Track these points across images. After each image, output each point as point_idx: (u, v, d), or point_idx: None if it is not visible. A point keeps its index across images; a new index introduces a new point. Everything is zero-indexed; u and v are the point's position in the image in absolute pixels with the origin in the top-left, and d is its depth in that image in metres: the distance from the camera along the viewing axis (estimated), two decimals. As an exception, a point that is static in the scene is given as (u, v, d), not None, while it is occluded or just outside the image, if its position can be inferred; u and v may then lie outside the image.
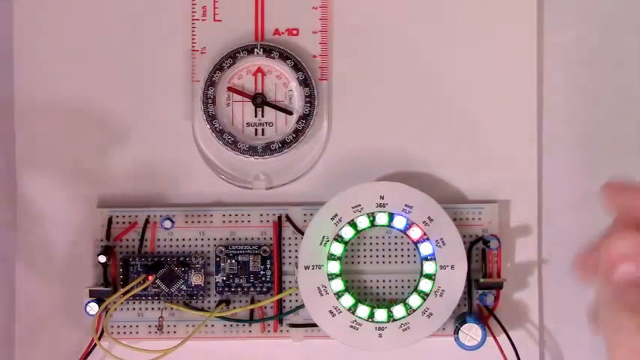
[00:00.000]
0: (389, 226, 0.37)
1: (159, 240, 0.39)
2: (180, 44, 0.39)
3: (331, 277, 0.37)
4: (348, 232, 0.37)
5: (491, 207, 0.39)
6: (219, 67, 0.39)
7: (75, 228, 0.39)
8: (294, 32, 0.39)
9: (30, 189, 0.39)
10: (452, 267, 0.37)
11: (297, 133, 0.39)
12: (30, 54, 0.39)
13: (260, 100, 0.39)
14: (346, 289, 0.37)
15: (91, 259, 0.38)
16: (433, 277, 0.37)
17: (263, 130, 0.39)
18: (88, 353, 0.38)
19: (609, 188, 0.28)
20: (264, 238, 0.39)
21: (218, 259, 0.38)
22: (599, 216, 0.40)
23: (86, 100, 0.39)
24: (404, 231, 0.37)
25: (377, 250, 0.38)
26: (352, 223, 0.37)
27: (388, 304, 0.37)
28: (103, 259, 0.37)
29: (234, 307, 0.38)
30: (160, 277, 0.38)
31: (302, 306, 0.38)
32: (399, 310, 0.37)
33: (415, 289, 0.37)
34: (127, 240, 0.39)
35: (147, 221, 0.38)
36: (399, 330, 0.37)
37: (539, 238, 0.40)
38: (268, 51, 0.39)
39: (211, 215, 0.39)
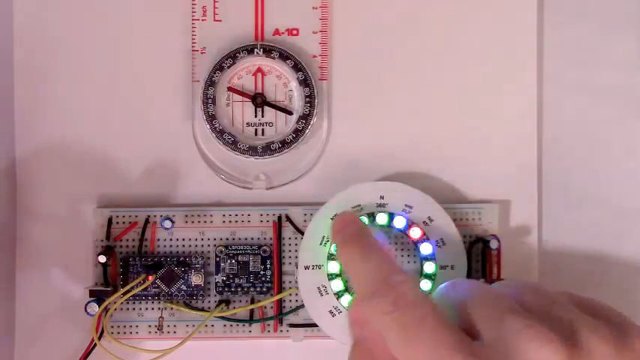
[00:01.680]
0: (389, 226, 0.37)
1: (159, 240, 0.39)
2: (180, 44, 0.39)
3: (331, 277, 0.37)
4: (348, 232, 0.37)
5: (491, 207, 0.39)
6: (219, 67, 0.39)
7: (75, 228, 0.39)
8: (294, 32, 0.39)
9: (30, 189, 0.39)
10: (452, 267, 0.37)
11: (297, 133, 0.39)
12: (30, 49, 0.39)
13: (260, 100, 0.39)
14: (346, 289, 0.37)
15: (91, 259, 0.38)
16: (433, 277, 0.37)
17: (263, 130, 0.39)
18: (88, 353, 0.38)
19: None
20: (264, 238, 0.39)
21: (218, 259, 0.38)
22: (599, 216, 0.41)
23: (86, 101, 0.39)
24: (404, 231, 0.37)
25: (377, 250, 0.38)
26: (352, 223, 0.37)
27: (388, 304, 0.37)
28: (103, 259, 0.37)
29: (234, 307, 0.38)
30: (160, 277, 0.38)
31: (302, 306, 0.38)
32: (399, 310, 0.37)
33: (415, 289, 0.37)
34: (127, 240, 0.39)
35: (147, 221, 0.38)
36: (399, 330, 0.37)
37: (539, 238, 0.40)
38: (268, 51, 0.39)
39: (211, 215, 0.39)
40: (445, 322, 0.27)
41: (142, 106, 0.39)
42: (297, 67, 0.39)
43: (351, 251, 0.33)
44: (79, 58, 0.39)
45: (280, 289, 0.38)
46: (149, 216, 0.39)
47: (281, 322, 0.39)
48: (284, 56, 0.38)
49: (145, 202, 0.39)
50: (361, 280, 0.31)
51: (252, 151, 0.39)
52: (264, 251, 0.38)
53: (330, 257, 0.37)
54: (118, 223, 0.39)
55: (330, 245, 0.36)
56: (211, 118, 0.39)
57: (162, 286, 0.38)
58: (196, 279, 0.38)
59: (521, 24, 0.39)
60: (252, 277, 0.38)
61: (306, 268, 0.37)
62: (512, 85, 0.39)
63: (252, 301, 0.38)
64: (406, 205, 0.37)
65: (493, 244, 0.37)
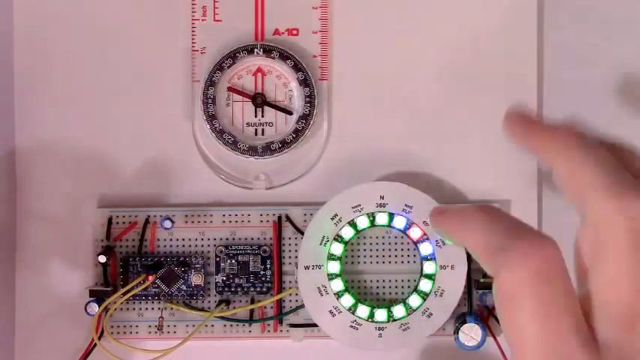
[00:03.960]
0: (389, 226, 0.37)
1: (159, 240, 0.39)
2: (180, 44, 0.39)
3: (331, 277, 0.37)
4: (348, 232, 0.37)
5: (491, 207, 0.39)
6: (219, 67, 0.39)
7: (75, 228, 0.39)
8: (294, 32, 0.39)
9: (30, 189, 0.39)
10: (452, 267, 0.37)
11: (297, 133, 0.39)
12: (30, 49, 0.39)
13: (260, 100, 0.39)
14: (346, 289, 0.37)
15: (91, 259, 0.38)
16: (433, 277, 0.37)
17: (263, 130, 0.39)
18: (88, 353, 0.38)
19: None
20: (264, 238, 0.39)
21: (218, 259, 0.38)
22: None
23: (86, 101, 0.39)
24: (404, 231, 0.37)
25: (377, 250, 0.38)
26: (352, 223, 0.37)
27: (388, 304, 0.37)
28: (103, 259, 0.37)
29: (234, 307, 0.38)
30: (160, 277, 0.38)
31: (302, 306, 0.38)
32: (399, 310, 0.37)
33: (415, 289, 0.37)
34: (127, 240, 0.39)
35: (147, 221, 0.38)
36: (399, 330, 0.37)
37: (539, 238, 0.40)
38: (268, 51, 0.39)
39: (211, 215, 0.39)
40: (579, 316, 0.23)
41: (142, 106, 0.39)
42: (297, 67, 0.39)
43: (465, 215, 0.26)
44: (79, 58, 0.39)
45: (280, 289, 0.38)
46: (149, 216, 0.39)
47: (281, 322, 0.39)
48: (284, 56, 0.38)
49: (145, 202, 0.39)
50: (482, 241, 0.25)
51: (252, 151, 0.39)
52: (264, 251, 0.38)
53: (330, 257, 0.37)
54: (118, 223, 0.39)
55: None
56: (211, 118, 0.39)
57: (163, 286, 0.38)
58: (196, 279, 0.38)
59: (522, 24, 0.39)
60: (252, 277, 0.38)
61: (306, 268, 0.37)
62: (513, 85, 0.39)
63: (252, 301, 0.38)
64: (406, 205, 0.37)
65: (493, 244, 0.37)
